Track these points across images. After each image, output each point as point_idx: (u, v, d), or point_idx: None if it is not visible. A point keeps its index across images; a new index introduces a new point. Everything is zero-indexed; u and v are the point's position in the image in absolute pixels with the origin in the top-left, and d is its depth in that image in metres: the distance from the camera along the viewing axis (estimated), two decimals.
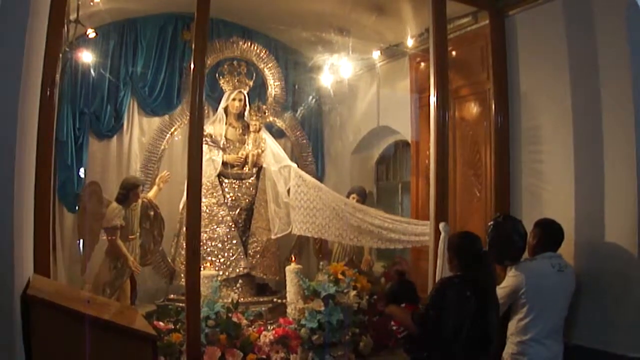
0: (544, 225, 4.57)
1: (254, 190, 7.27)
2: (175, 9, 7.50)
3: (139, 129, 7.58)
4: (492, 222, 4.73)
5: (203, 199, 5.91)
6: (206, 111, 7.22)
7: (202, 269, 5.55)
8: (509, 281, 4.42)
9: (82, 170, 6.86)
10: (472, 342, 3.81)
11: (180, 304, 5.89)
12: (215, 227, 6.96)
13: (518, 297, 4.33)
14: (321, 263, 7.34)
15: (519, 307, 4.34)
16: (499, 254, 4.56)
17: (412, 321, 3.99)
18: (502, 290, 4.37)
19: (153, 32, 7.50)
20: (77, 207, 6.66)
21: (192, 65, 4.90)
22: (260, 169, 7.35)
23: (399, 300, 4.41)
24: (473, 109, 6.17)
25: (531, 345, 4.24)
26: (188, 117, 5.22)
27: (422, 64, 6.99)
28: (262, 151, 7.28)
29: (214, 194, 7.02)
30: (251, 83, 7.33)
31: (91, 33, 6.35)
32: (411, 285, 4.62)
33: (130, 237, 6.30)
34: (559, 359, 4.31)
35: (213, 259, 6.82)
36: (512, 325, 4.39)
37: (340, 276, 6.24)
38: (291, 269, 6.53)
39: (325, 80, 8.00)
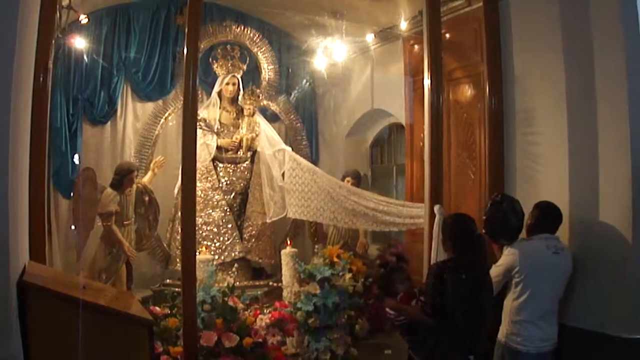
0: (542, 207, 4.57)
1: (248, 174, 7.27)
2: None
3: (133, 114, 7.57)
4: (490, 201, 4.74)
5: (198, 184, 5.92)
6: (200, 95, 7.18)
7: (197, 253, 5.56)
8: (503, 259, 4.43)
9: (76, 156, 6.85)
10: (466, 324, 3.84)
11: (176, 289, 5.90)
12: (210, 211, 6.98)
13: (512, 275, 4.33)
14: (316, 246, 7.36)
15: (513, 287, 4.34)
16: (495, 233, 4.58)
17: (426, 314, 3.95)
18: (497, 268, 4.40)
19: (146, 17, 7.46)
20: (72, 194, 6.66)
21: (185, 50, 4.89)
22: (254, 152, 7.34)
23: (394, 288, 4.42)
24: (467, 91, 6.16)
25: (524, 326, 4.24)
26: (182, 102, 5.21)
27: (416, 47, 6.96)
28: (257, 135, 7.28)
29: (209, 178, 7.03)
30: (245, 67, 7.32)
31: (84, 19, 6.34)
32: (404, 270, 4.61)
33: (125, 222, 6.32)
34: (552, 341, 4.32)
35: (208, 243, 6.84)
36: (507, 306, 4.39)
37: (335, 259, 6.27)
38: (287, 252, 6.56)
39: (319, 63, 7.97)
